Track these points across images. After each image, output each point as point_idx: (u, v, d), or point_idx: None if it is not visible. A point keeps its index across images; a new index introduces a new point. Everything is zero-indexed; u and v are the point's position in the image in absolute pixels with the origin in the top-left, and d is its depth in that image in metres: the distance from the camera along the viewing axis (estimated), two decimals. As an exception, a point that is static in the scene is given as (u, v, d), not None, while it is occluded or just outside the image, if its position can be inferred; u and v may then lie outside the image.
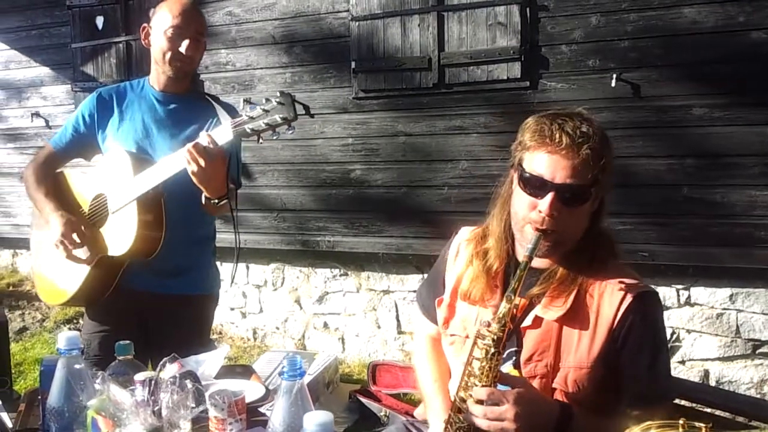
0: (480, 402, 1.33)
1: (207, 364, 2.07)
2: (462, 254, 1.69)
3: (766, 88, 3.67)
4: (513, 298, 1.34)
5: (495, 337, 1.33)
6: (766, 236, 3.69)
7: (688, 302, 3.97)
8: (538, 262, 1.52)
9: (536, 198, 1.43)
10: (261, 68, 4.82)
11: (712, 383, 3.89)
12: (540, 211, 1.42)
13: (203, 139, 1.91)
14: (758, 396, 3.78)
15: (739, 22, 3.69)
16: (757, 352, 3.85)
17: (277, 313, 5.06)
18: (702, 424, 0.84)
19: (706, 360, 3.95)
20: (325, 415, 0.99)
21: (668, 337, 3.92)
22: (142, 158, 2.18)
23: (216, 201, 2.03)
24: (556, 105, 3.99)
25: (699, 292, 3.94)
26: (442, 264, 1.76)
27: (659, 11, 3.82)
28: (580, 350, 1.45)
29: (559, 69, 4.07)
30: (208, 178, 1.93)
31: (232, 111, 2.20)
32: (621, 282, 1.46)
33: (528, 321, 1.49)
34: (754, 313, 3.82)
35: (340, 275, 4.84)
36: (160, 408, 1.29)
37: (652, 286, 1.52)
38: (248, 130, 1.83)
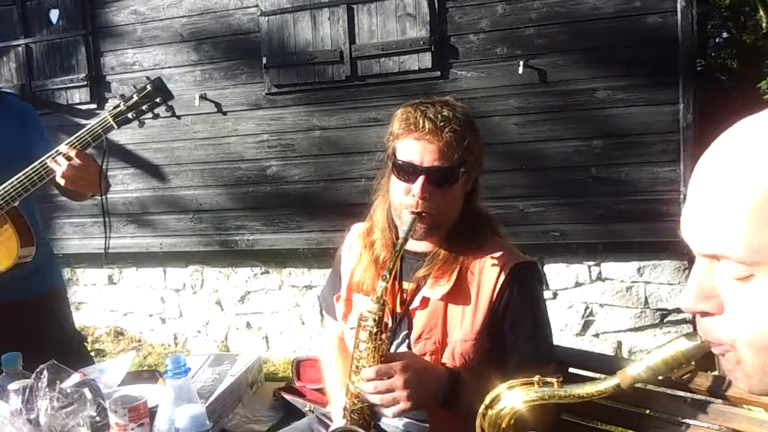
0: (371, 381, 1.37)
1: (111, 371, 2.04)
2: (354, 249, 1.74)
3: (663, 69, 3.85)
4: (388, 277, 1.40)
5: (376, 317, 1.38)
6: (668, 210, 3.86)
7: (599, 278, 4.11)
8: (421, 246, 1.60)
9: (409, 183, 1.49)
10: (170, 67, 4.69)
11: (625, 353, 4.05)
12: (413, 195, 1.48)
13: (62, 148, 1.92)
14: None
15: (635, 7, 3.85)
16: (665, 321, 4.02)
17: (197, 316, 4.96)
18: (554, 379, 0.88)
19: (619, 332, 4.10)
20: (196, 407, 0.98)
21: (582, 311, 4.08)
22: None
23: (93, 195, 2.08)
24: (467, 93, 4.07)
25: (609, 268, 4.09)
26: (338, 262, 1.80)
27: (561, -2, 3.93)
28: (465, 324, 1.51)
29: (468, 58, 4.14)
30: (78, 182, 1.95)
31: (28, 108, 2.26)
32: (499, 257, 1.53)
33: (416, 302, 1.55)
34: (660, 284, 3.99)
35: (262, 273, 4.78)
36: (37, 416, 1.24)
37: (532, 257, 1.60)
38: (130, 117, 1.90)
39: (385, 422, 1.64)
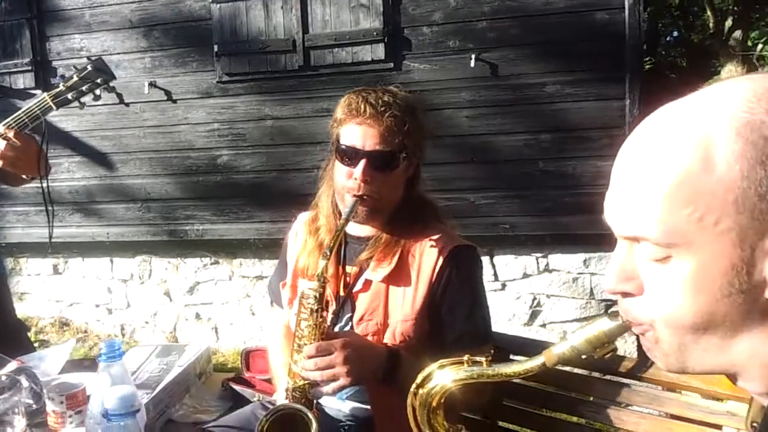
0: (312, 358, 1.39)
1: (50, 360, 2.01)
2: (299, 236, 1.76)
3: (611, 64, 3.93)
4: (329, 255, 1.42)
5: (316, 294, 1.41)
6: (612, 203, 3.94)
7: (546, 269, 4.19)
8: (364, 231, 1.64)
9: (351, 167, 1.52)
10: (118, 53, 4.58)
11: (571, 344, 4.13)
12: (355, 178, 1.51)
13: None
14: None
15: (584, 3, 3.92)
16: (609, 311, 4.10)
17: (145, 307, 4.89)
18: (483, 358, 0.90)
19: (565, 322, 4.20)
20: (125, 388, 0.97)
21: (530, 302, 4.16)
22: None
23: (32, 177, 2.05)
24: (419, 85, 4.09)
25: (556, 259, 4.18)
26: (285, 250, 1.82)
27: (504, -8, 3.97)
28: (405, 305, 1.55)
29: (421, 50, 4.16)
30: (17, 163, 1.94)
31: None
32: (438, 239, 1.57)
33: (359, 285, 1.58)
34: (605, 275, 4.08)
35: (211, 264, 4.73)
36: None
37: (473, 244, 1.63)
38: (70, 98, 1.88)
39: (330, 407, 1.66)
